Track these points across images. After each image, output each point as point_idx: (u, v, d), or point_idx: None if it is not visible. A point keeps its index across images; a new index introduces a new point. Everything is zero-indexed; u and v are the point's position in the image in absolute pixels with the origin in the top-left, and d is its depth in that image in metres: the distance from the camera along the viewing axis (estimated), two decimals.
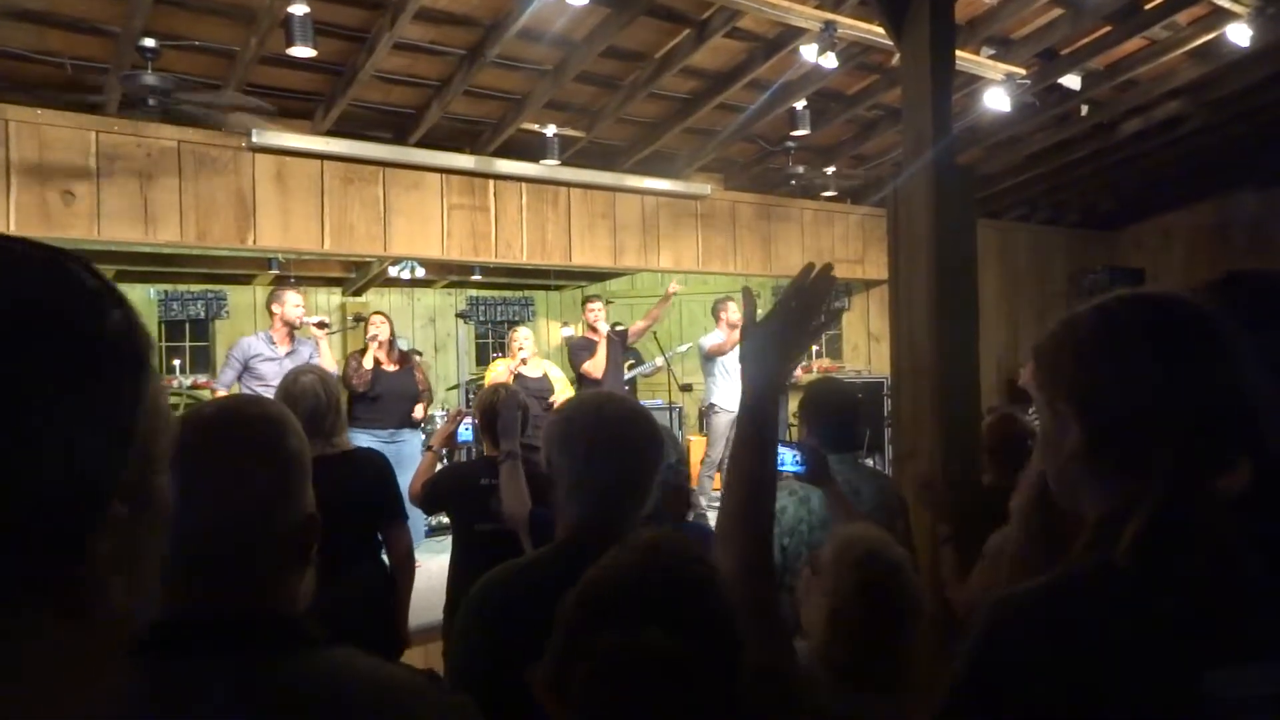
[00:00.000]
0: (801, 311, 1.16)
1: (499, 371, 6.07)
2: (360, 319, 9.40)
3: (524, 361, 5.96)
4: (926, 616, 1.63)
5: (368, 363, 5.67)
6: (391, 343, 5.86)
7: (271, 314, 5.54)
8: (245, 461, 0.98)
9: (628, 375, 7.30)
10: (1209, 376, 0.89)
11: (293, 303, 5.50)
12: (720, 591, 0.98)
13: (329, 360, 5.44)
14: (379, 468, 3.06)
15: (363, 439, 5.46)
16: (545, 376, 5.98)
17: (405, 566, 3.09)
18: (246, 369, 5.30)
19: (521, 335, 6.08)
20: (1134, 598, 0.84)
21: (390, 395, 5.74)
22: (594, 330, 6.67)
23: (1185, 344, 0.91)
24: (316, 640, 0.93)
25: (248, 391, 5.17)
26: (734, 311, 7.02)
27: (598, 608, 0.95)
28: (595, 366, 6.55)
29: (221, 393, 5.09)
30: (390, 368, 5.80)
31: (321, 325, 5.69)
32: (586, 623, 0.95)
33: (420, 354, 9.67)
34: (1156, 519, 0.85)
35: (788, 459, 2.40)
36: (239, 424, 1.01)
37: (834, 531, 1.91)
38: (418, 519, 5.46)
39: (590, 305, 6.78)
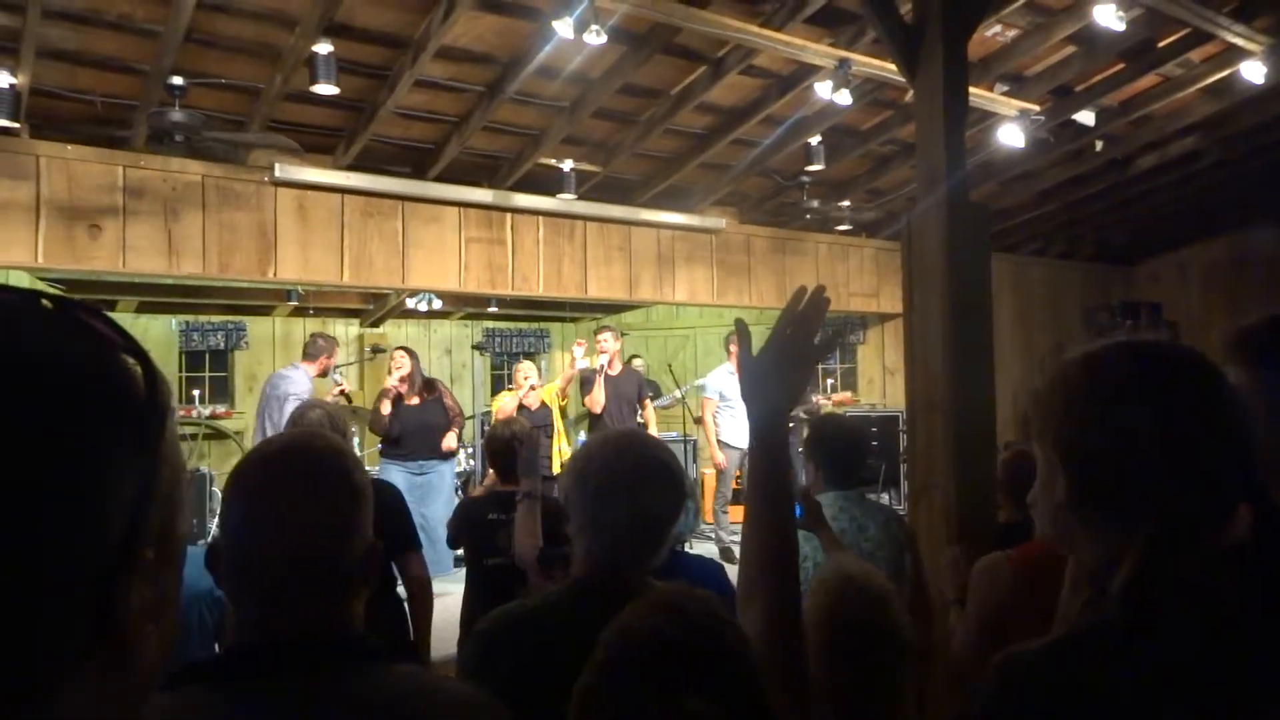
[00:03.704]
0: (798, 339, 1.13)
1: (506, 403, 6.31)
2: (378, 350, 9.49)
3: (533, 388, 6.25)
4: (913, 648, 1.62)
5: (385, 408, 5.78)
6: (411, 377, 5.92)
7: (314, 357, 5.76)
8: (320, 493, 1.03)
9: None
10: (1194, 427, 0.88)
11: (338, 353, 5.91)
12: (752, 656, 0.96)
13: None
14: (390, 498, 3.06)
15: (393, 472, 5.53)
16: (545, 405, 6.35)
17: (421, 596, 3.08)
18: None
19: (527, 367, 6.43)
20: (1127, 653, 0.84)
21: (414, 430, 5.81)
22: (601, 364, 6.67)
23: (1171, 395, 0.90)
24: (385, 657, 0.99)
25: (273, 423, 5.22)
26: None
27: (634, 671, 0.92)
28: (593, 401, 6.57)
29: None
30: (413, 401, 5.86)
31: (345, 395, 6.00)
32: (622, 687, 0.92)
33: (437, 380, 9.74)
34: (1141, 572, 0.85)
35: None
36: (311, 458, 1.06)
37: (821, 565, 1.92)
38: (446, 549, 5.50)
39: (598, 337, 6.73)
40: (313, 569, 1.00)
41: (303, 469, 1.04)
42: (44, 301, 0.44)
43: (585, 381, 6.69)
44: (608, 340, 6.66)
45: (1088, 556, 0.94)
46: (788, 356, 1.13)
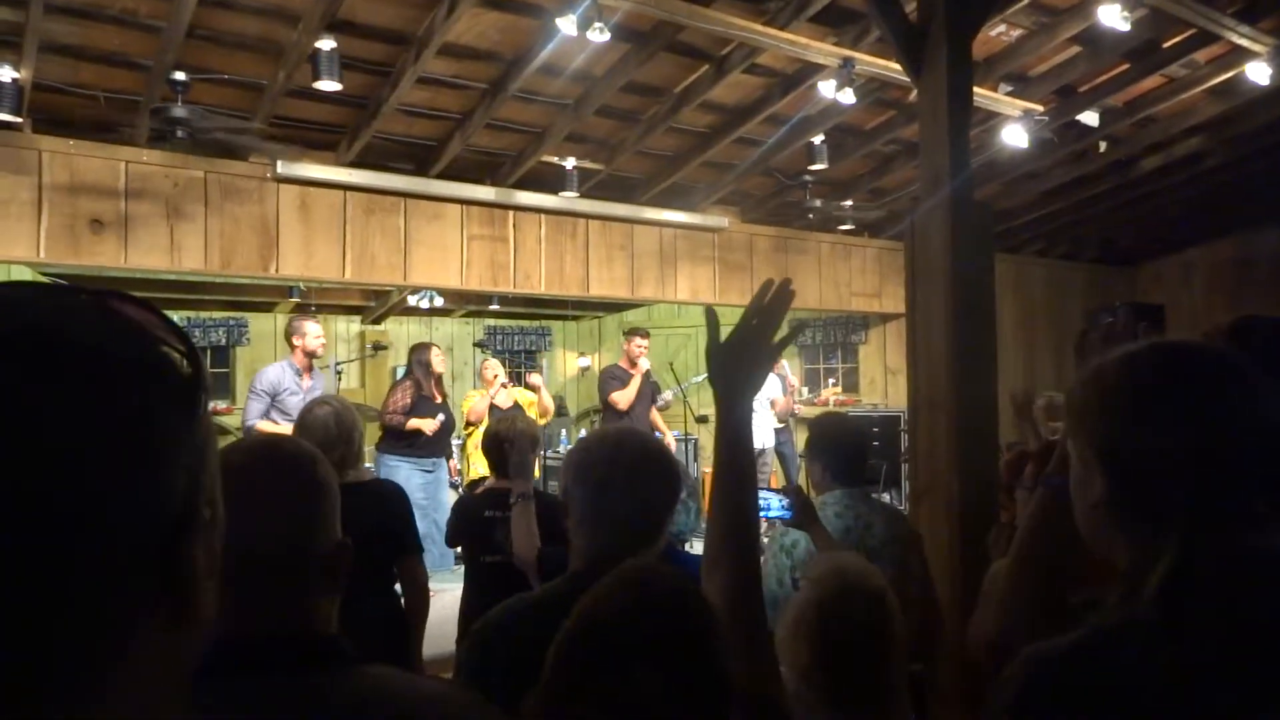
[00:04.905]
0: (761, 328, 1.21)
1: (476, 403, 6.47)
2: (379, 347, 9.48)
3: (504, 386, 6.39)
4: (907, 646, 1.64)
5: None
6: (436, 372, 6.02)
7: (292, 345, 5.54)
8: (280, 492, 1.03)
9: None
10: (1231, 427, 0.89)
11: (314, 334, 5.50)
12: (713, 626, 1.00)
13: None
14: (393, 499, 3.04)
15: (407, 470, 5.52)
16: (516, 404, 6.44)
17: (419, 600, 3.05)
18: (273, 403, 5.28)
19: (495, 365, 6.62)
20: (1160, 652, 0.83)
21: (439, 427, 5.85)
22: (633, 365, 6.77)
23: (1208, 395, 0.90)
24: (352, 658, 0.98)
25: (271, 423, 5.17)
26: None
27: (591, 646, 0.96)
28: (623, 398, 6.63)
29: (263, 425, 5.08)
30: (438, 399, 5.93)
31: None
32: (580, 661, 0.96)
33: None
34: (1176, 571, 0.85)
35: (774, 504, 2.43)
36: (275, 458, 1.07)
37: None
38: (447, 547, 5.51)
39: (637, 340, 6.84)
40: (270, 566, 0.98)
41: (263, 465, 1.05)
42: (102, 299, 0.49)
43: (614, 378, 6.76)
44: (646, 345, 6.84)
45: (1121, 558, 0.93)
46: (752, 344, 1.21)
